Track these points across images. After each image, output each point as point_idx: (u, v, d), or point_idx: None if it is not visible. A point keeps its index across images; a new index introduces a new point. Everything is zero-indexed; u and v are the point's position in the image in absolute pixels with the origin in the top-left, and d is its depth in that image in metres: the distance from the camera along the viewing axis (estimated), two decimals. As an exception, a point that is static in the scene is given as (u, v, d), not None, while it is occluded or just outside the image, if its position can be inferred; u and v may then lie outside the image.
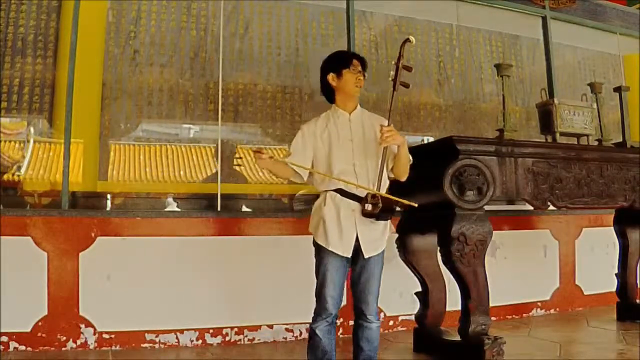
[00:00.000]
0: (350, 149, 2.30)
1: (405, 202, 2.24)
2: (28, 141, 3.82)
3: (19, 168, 3.78)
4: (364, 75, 2.37)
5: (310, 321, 2.30)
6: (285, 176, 2.35)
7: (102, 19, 3.94)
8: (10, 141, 3.81)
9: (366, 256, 2.26)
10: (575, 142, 3.52)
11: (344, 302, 2.40)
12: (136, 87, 3.95)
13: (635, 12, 5.59)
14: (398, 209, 2.54)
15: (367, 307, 2.28)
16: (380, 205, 2.20)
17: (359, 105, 2.42)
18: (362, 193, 2.24)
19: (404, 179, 2.36)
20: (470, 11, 4.90)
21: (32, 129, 3.84)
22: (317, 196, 2.39)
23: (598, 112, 3.66)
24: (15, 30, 3.73)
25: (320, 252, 2.28)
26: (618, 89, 3.85)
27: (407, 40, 2.41)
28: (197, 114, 4.09)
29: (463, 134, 4.63)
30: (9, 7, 3.73)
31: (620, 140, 3.69)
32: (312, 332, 2.28)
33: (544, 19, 5.08)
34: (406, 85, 2.38)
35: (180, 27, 4.08)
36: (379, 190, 2.24)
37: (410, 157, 2.35)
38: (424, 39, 4.83)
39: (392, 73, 2.39)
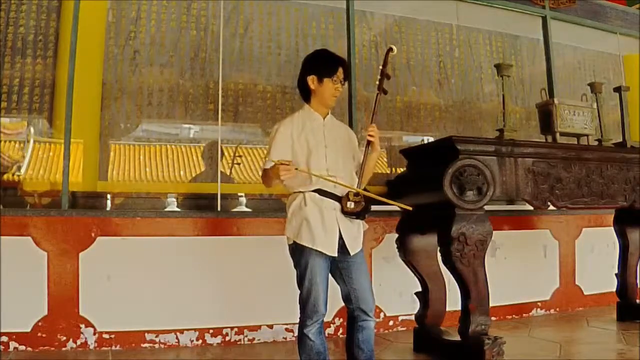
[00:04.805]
0: (324, 155, 2.31)
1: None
2: (28, 141, 3.81)
3: (19, 168, 3.78)
4: (344, 84, 2.40)
5: (299, 326, 2.27)
6: (275, 182, 2.29)
7: (102, 19, 3.93)
8: (10, 141, 3.80)
9: (352, 253, 2.27)
10: (575, 142, 3.52)
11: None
12: (136, 87, 3.94)
13: (635, 12, 5.59)
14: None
15: (367, 305, 2.28)
16: (364, 203, 2.25)
17: (329, 112, 2.44)
18: (340, 192, 2.27)
19: (364, 185, 2.40)
20: (470, 11, 4.90)
21: (32, 129, 3.84)
22: None
23: (598, 112, 3.66)
24: (15, 30, 3.73)
25: (304, 254, 2.24)
26: (618, 89, 3.85)
27: (390, 49, 2.48)
28: (197, 114, 4.09)
29: (463, 134, 4.63)
30: (9, 7, 3.73)
31: (620, 140, 3.70)
32: (303, 336, 2.24)
33: (544, 19, 5.08)
34: (385, 92, 2.45)
35: (180, 27, 4.07)
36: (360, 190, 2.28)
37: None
38: (424, 39, 4.83)
39: (379, 78, 2.45)
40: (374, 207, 2.34)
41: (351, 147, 2.45)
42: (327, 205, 2.26)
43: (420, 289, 3.36)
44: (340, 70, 2.35)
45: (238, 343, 3.51)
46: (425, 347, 3.26)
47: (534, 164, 3.11)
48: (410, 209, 2.39)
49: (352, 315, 2.32)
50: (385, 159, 4.49)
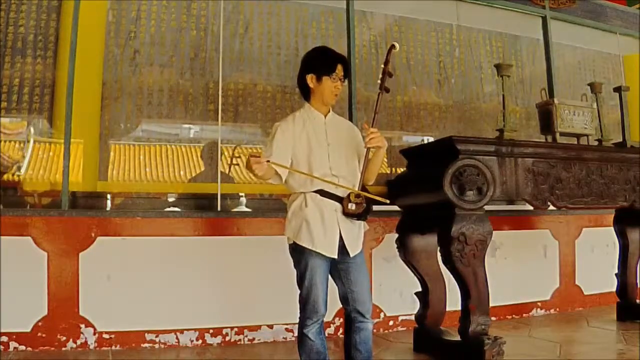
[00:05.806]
0: (327, 153, 2.29)
1: (386, 201, 2.30)
2: (28, 141, 3.81)
3: (19, 168, 3.77)
4: (344, 81, 2.35)
5: (299, 326, 2.26)
6: (267, 177, 2.24)
7: (102, 19, 3.93)
8: (10, 141, 3.80)
9: (352, 254, 2.26)
10: (575, 142, 3.52)
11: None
12: (136, 87, 3.94)
13: (635, 12, 5.59)
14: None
15: (364, 306, 2.27)
16: (365, 205, 2.23)
17: (331, 109, 2.41)
18: (342, 193, 2.24)
19: (372, 182, 2.37)
20: (470, 11, 4.90)
21: (32, 129, 3.84)
22: None
23: (598, 112, 3.66)
24: (15, 30, 3.73)
25: (304, 255, 2.23)
26: (618, 89, 3.85)
27: (392, 47, 2.43)
28: (197, 114, 4.09)
29: (463, 134, 4.62)
30: (9, 7, 3.73)
31: (620, 140, 3.70)
32: (303, 336, 2.24)
33: (544, 19, 5.08)
34: (387, 90, 2.39)
35: (180, 27, 4.07)
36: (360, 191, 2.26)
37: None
38: (424, 39, 4.83)
39: (381, 76, 2.39)
40: (374, 207, 2.34)
41: (354, 143, 2.40)
42: (328, 206, 2.24)
43: (420, 289, 3.36)
44: (340, 67, 2.31)
45: (238, 343, 3.51)
46: (425, 347, 3.26)
47: (534, 164, 3.11)
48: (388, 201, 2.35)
49: (349, 317, 2.31)
50: (385, 159, 4.49)
